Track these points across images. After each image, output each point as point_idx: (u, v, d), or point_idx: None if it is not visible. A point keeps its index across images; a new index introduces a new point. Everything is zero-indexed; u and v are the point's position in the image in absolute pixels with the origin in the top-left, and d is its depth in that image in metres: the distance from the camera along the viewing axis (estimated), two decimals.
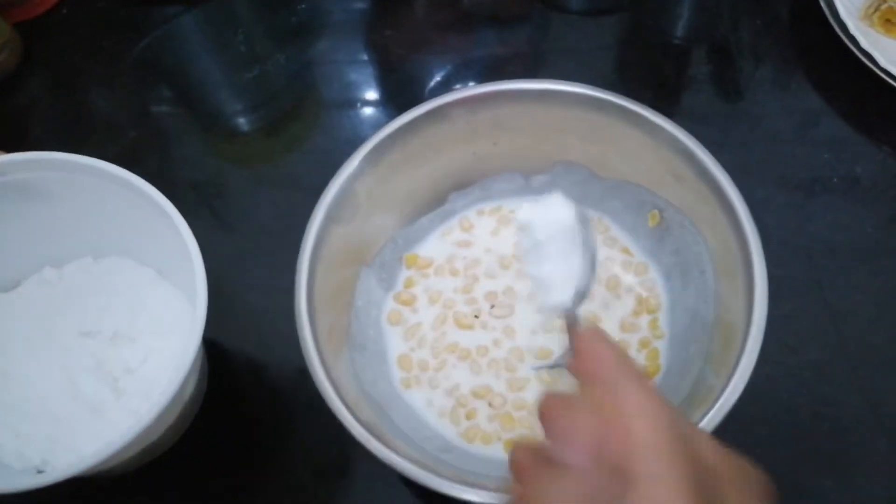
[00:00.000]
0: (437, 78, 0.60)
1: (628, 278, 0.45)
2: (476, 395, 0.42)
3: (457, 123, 0.43)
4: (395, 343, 0.44)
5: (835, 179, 0.52)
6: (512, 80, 0.42)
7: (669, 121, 0.40)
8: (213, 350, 0.47)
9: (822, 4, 0.56)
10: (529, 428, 0.41)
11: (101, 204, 0.40)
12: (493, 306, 0.45)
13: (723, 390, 0.33)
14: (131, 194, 0.38)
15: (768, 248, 0.37)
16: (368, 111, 0.59)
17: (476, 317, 0.44)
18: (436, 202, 0.47)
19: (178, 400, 0.36)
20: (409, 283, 0.46)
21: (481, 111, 0.42)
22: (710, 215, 0.39)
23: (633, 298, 0.44)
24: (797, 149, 0.54)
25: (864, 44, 0.52)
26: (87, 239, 0.45)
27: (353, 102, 0.59)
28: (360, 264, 0.44)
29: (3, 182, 0.39)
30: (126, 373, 0.42)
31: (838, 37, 0.55)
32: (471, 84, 0.59)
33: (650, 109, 0.41)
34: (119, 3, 0.64)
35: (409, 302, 0.45)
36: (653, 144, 0.41)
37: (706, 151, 0.39)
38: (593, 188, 0.46)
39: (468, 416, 0.42)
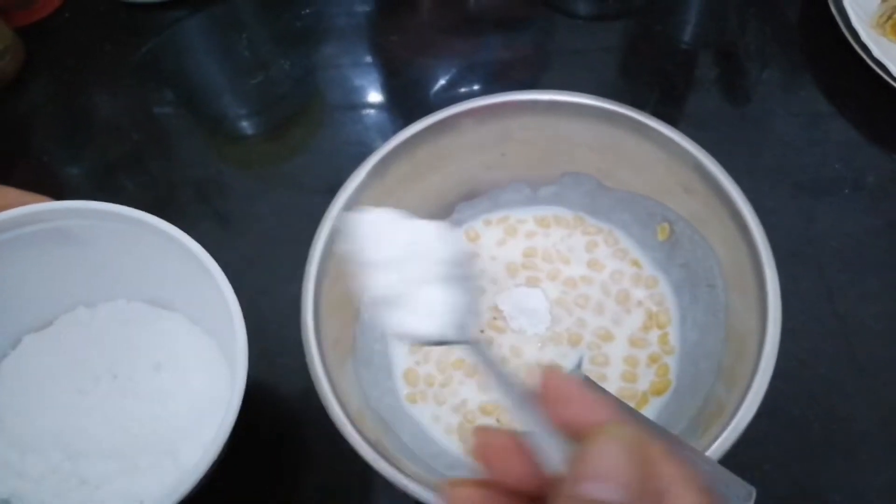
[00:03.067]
0: (442, 82, 0.59)
1: (638, 292, 0.44)
2: (484, 411, 0.42)
3: (464, 134, 0.42)
4: (401, 357, 0.44)
5: (846, 190, 0.52)
6: (520, 91, 0.41)
7: (680, 132, 0.40)
8: None
9: (834, 12, 0.56)
10: None
11: (135, 249, 0.40)
12: (495, 318, 0.44)
13: (736, 409, 0.33)
14: (166, 242, 0.38)
15: (777, 259, 0.36)
16: (373, 115, 0.58)
17: (481, 331, 0.44)
18: (443, 213, 0.46)
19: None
20: None
21: (489, 122, 0.42)
22: (722, 229, 0.39)
23: (642, 313, 0.44)
24: (806, 156, 0.54)
25: (876, 52, 0.52)
26: (120, 282, 0.44)
27: (357, 107, 0.59)
28: None
29: (40, 229, 0.38)
30: (153, 418, 0.41)
31: (848, 43, 0.54)
32: (476, 88, 0.59)
33: (660, 121, 0.40)
34: (122, 6, 0.64)
35: None
36: (663, 156, 0.40)
37: (717, 164, 0.39)
38: (602, 199, 0.45)
39: None
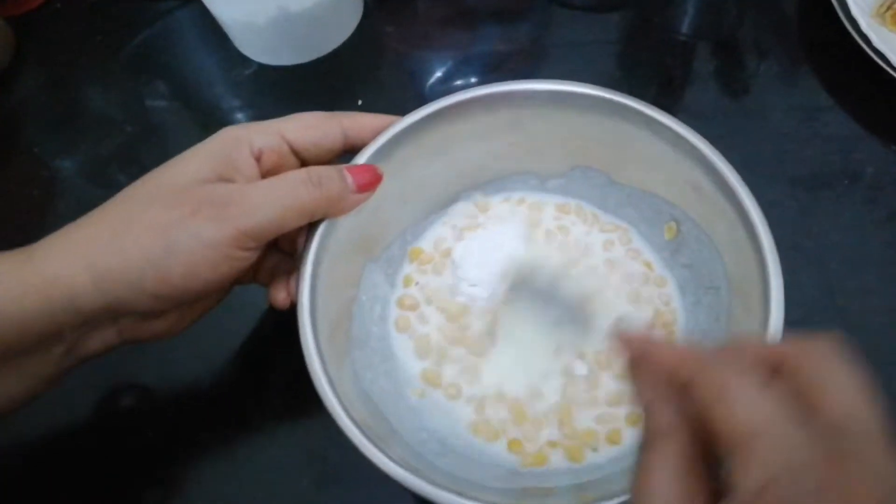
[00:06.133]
0: (439, 74, 0.59)
1: (647, 290, 0.44)
2: (499, 397, 0.41)
3: (473, 121, 0.41)
4: (407, 356, 0.43)
5: (846, 181, 0.51)
6: (532, 80, 0.40)
7: (691, 130, 0.39)
8: (210, 348, 0.47)
9: (833, 1, 0.55)
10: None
11: None
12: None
13: None
14: None
15: (778, 252, 0.36)
16: (367, 108, 0.58)
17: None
18: (449, 200, 0.46)
19: None
20: (407, 282, 0.45)
21: (499, 110, 0.41)
22: (729, 231, 0.38)
23: (651, 311, 0.43)
24: (806, 148, 0.53)
25: (876, 42, 0.52)
26: None
27: (352, 98, 0.58)
28: (366, 259, 0.43)
29: None
30: None
31: (848, 34, 0.54)
32: (472, 80, 0.58)
33: (673, 118, 0.39)
34: None
35: (414, 307, 0.44)
36: (673, 153, 0.40)
37: (728, 164, 0.38)
38: (611, 195, 0.45)
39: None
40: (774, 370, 0.24)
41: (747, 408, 0.22)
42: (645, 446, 0.25)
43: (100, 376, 0.46)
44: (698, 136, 0.39)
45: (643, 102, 0.40)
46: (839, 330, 0.45)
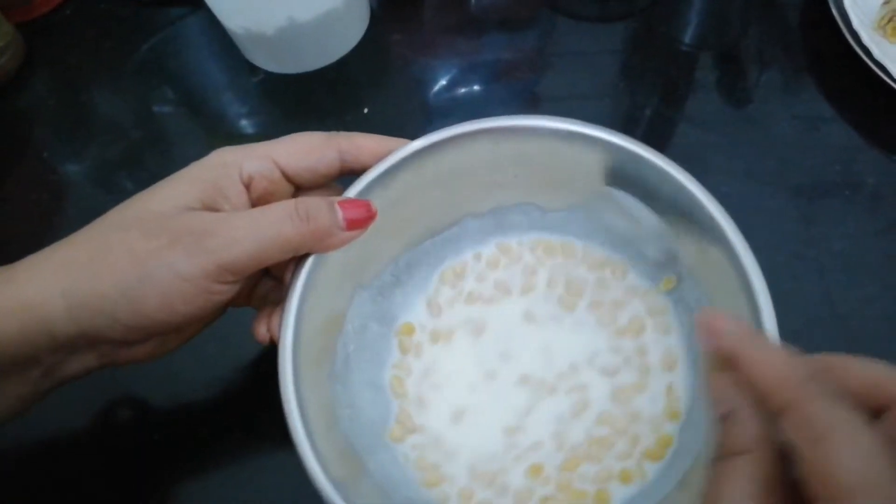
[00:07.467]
0: (443, 82, 0.60)
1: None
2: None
3: (475, 152, 0.40)
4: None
5: (846, 191, 0.52)
6: (540, 117, 0.39)
7: (677, 166, 0.38)
8: (218, 356, 0.47)
9: (835, 14, 0.56)
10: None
11: None
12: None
13: None
14: None
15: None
16: (373, 115, 0.58)
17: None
18: (446, 226, 0.45)
19: None
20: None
21: (504, 142, 0.40)
22: (721, 277, 0.37)
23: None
24: (807, 158, 0.54)
25: (877, 54, 0.52)
26: None
27: (358, 106, 0.59)
28: (356, 286, 0.41)
29: None
30: None
31: (849, 46, 0.54)
32: (476, 88, 0.59)
33: (660, 154, 0.38)
34: (123, 3, 0.64)
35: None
36: (664, 188, 0.38)
37: (713, 199, 0.36)
38: (612, 229, 0.44)
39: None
40: (879, 409, 0.22)
41: (849, 460, 0.19)
42: (720, 463, 0.23)
43: (106, 380, 0.46)
44: (683, 170, 0.37)
45: (647, 147, 0.38)
46: (840, 338, 0.46)
